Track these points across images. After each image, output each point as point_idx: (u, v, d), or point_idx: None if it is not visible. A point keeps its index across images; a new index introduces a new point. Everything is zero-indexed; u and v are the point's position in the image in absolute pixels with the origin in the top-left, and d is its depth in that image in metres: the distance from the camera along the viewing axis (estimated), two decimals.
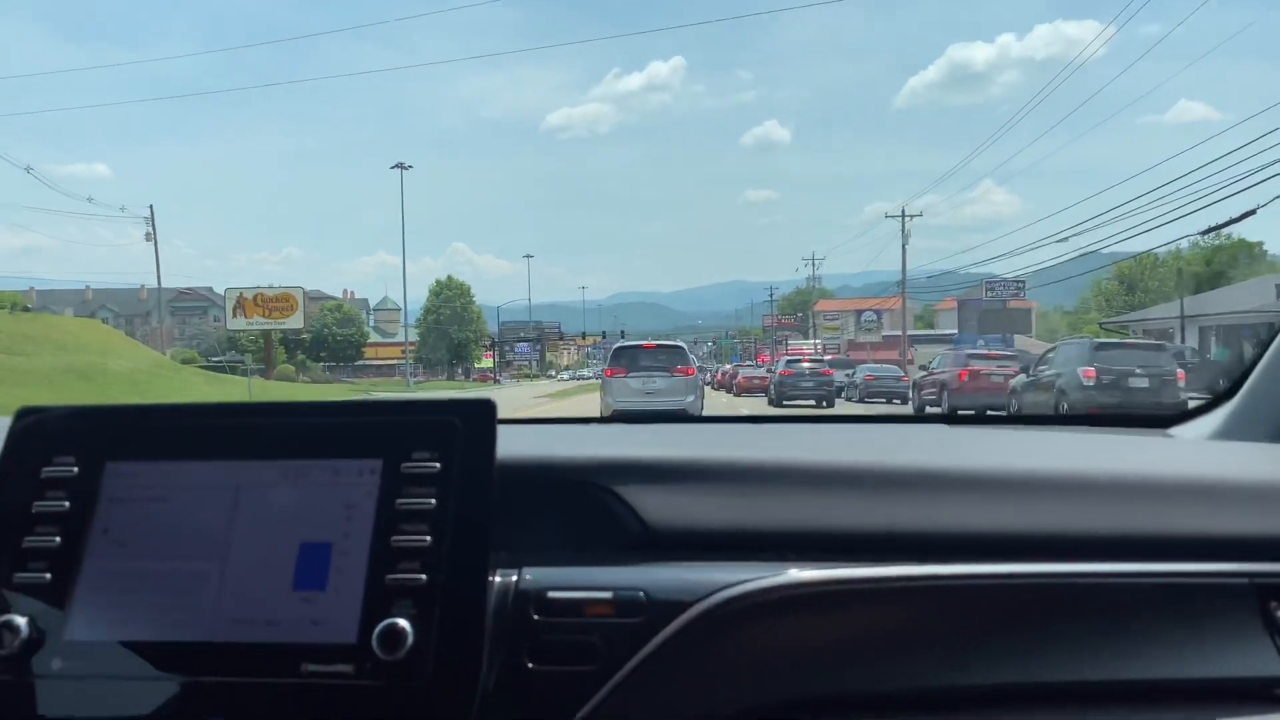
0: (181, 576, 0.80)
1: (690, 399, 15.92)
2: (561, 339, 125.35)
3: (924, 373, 23.62)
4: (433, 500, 0.80)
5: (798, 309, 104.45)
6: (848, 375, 29.60)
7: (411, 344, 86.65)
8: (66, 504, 0.84)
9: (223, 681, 0.77)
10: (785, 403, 24.89)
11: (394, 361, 75.75)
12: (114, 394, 30.19)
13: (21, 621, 0.78)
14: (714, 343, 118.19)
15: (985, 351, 22.11)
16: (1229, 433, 1.13)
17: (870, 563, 0.84)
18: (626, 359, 16.80)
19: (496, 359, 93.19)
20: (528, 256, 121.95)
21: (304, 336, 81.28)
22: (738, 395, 33.13)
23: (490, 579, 0.81)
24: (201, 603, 0.79)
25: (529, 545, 0.88)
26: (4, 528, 0.84)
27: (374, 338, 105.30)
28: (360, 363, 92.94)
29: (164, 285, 56.09)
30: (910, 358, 37.32)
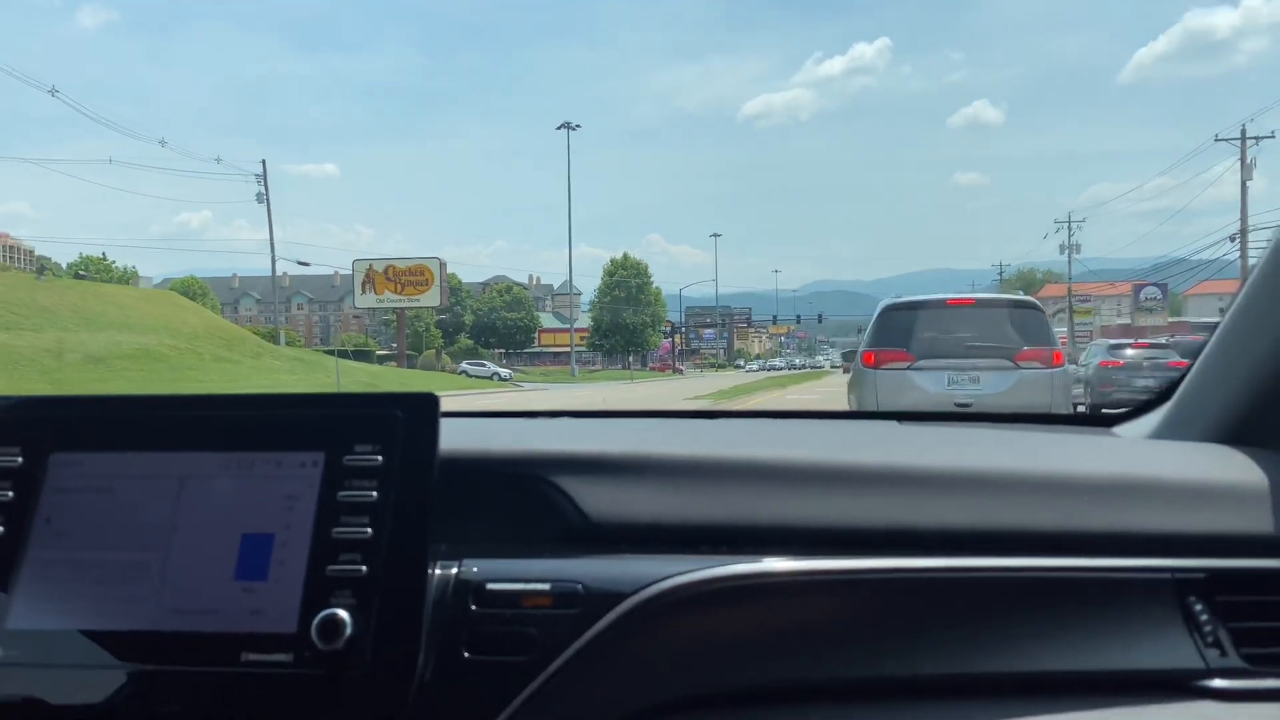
0: (123, 566, 0.81)
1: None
2: (750, 325, 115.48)
3: None
4: (374, 493, 0.81)
5: (1022, 293, 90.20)
6: None
7: (582, 331, 79.02)
8: (10, 494, 0.84)
9: (163, 670, 0.77)
10: (1107, 410, 13.54)
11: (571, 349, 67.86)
12: (133, 380, 22.25)
13: None
14: None
15: None
16: (1165, 432, 1.16)
17: (805, 556, 0.85)
18: (912, 330, 7.76)
19: (674, 346, 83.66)
20: (715, 235, 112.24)
21: (461, 319, 75.24)
22: None
23: (430, 570, 0.82)
24: (143, 592, 0.79)
25: (471, 538, 0.89)
26: None
27: (553, 323, 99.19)
28: (534, 349, 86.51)
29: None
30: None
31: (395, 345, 53.53)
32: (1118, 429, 1.24)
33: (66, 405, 0.89)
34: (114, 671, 0.77)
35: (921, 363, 7.59)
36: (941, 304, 8.02)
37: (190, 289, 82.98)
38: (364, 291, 49.04)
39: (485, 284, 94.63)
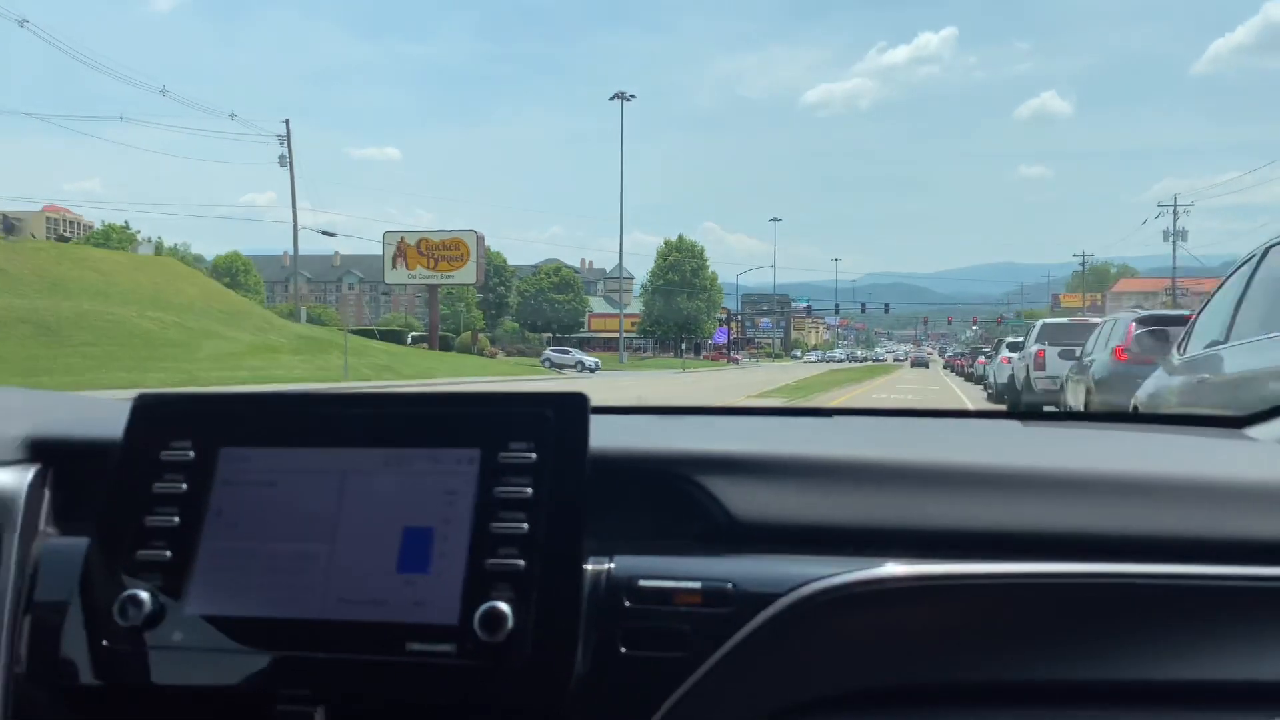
0: (291, 557, 0.84)
1: None
2: (809, 315, 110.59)
3: None
4: (529, 489, 0.84)
5: (1092, 288, 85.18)
6: None
7: (633, 316, 75.14)
8: (184, 486, 0.89)
9: (331, 658, 0.81)
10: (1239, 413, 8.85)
11: (620, 334, 63.85)
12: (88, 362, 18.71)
13: (144, 596, 0.83)
14: (997, 324, 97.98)
15: None
16: None
17: (954, 560, 0.86)
18: None
19: (729, 335, 79.16)
20: (774, 220, 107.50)
21: (504, 299, 71.74)
22: None
23: (584, 566, 0.84)
24: (311, 582, 0.83)
25: (619, 534, 0.91)
26: (127, 508, 0.89)
27: (604, 308, 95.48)
28: (584, 334, 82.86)
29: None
30: None
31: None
32: (1251, 430, 1.20)
33: (234, 402, 0.94)
34: (285, 657, 0.81)
35: None
36: None
37: (233, 265, 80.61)
38: (394, 266, 45.96)
39: (536, 267, 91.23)
